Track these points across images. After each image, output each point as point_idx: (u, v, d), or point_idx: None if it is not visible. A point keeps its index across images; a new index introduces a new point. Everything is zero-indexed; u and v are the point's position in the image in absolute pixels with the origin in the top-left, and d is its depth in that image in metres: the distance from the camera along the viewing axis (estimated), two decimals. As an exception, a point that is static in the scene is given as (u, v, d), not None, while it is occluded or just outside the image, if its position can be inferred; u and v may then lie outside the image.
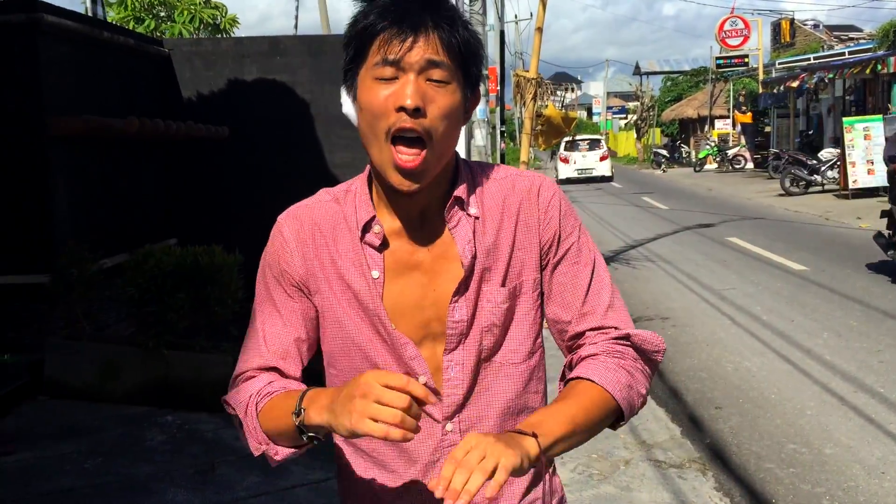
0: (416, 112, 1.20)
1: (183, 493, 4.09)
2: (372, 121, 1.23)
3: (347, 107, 1.33)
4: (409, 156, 1.21)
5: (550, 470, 1.45)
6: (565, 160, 30.15)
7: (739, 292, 8.70)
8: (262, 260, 1.41)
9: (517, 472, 1.10)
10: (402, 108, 1.20)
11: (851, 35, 34.92)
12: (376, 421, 1.07)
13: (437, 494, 1.05)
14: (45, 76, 5.91)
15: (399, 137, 1.22)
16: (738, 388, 5.67)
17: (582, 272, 1.37)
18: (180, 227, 8.05)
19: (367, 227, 1.31)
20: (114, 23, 11.80)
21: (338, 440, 1.42)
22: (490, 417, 1.36)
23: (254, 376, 1.35)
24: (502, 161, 24.46)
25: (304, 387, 1.29)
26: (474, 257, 1.31)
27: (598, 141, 31.63)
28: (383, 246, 1.32)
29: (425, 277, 1.32)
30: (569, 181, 29.53)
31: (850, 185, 17.41)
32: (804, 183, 19.49)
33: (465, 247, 1.31)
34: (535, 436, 1.16)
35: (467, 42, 1.25)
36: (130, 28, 12.70)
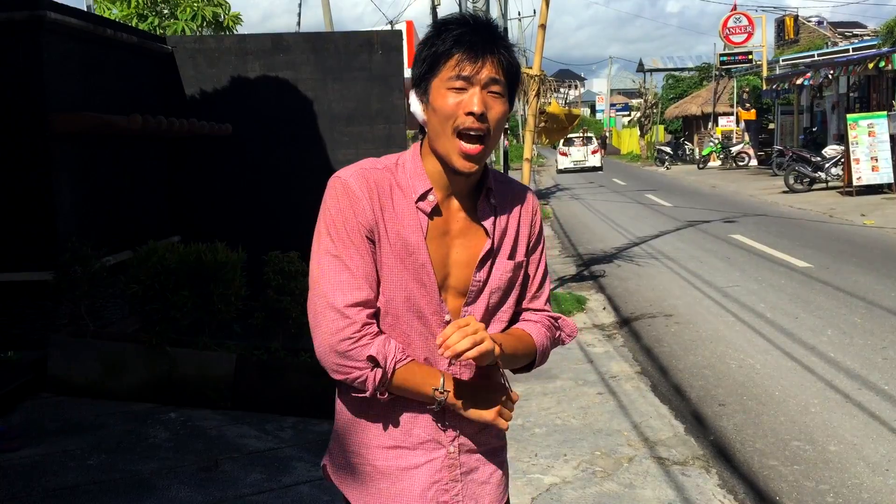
0: (482, 116, 1.59)
1: (186, 490, 4.10)
2: (444, 119, 1.60)
3: (415, 107, 1.67)
4: (473, 146, 1.60)
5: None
6: (564, 154, 35.83)
7: (743, 289, 8.69)
8: (327, 213, 1.64)
9: (488, 355, 1.54)
10: (470, 113, 1.58)
11: (856, 32, 34.84)
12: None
13: (437, 342, 1.52)
14: (49, 73, 5.92)
15: (463, 134, 1.59)
16: (742, 385, 5.66)
17: (540, 268, 1.84)
18: (184, 224, 8.06)
19: (423, 197, 1.66)
20: (117, 20, 11.80)
21: (348, 405, 1.74)
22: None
23: (370, 323, 1.62)
24: (506, 157, 24.46)
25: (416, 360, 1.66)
26: (494, 237, 1.71)
27: (591, 138, 37.50)
28: (434, 213, 1.67)
29: (455, 243, 1.69)
30: (567, 171, 35.31)
31: (854, 182, 17.38)
32: (808, 180, 19.46)
33: (490, 226, 1.70)
34: (500, 345, 1.61)
35: (515, 66, 1.65)
36: (133, 25, 12.71)
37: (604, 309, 8.31)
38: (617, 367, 6.26)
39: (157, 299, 5.42)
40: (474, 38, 1.60)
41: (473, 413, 1.66)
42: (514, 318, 1.82)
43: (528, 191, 1.82)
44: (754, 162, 31.54)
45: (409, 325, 1.67)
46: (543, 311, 1.85)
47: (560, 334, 1.88)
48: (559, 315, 1.89)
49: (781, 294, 8.37)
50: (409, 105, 1.72)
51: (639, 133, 49.27)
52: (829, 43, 31.47)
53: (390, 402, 1.67)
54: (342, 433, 1.76)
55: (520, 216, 1.77)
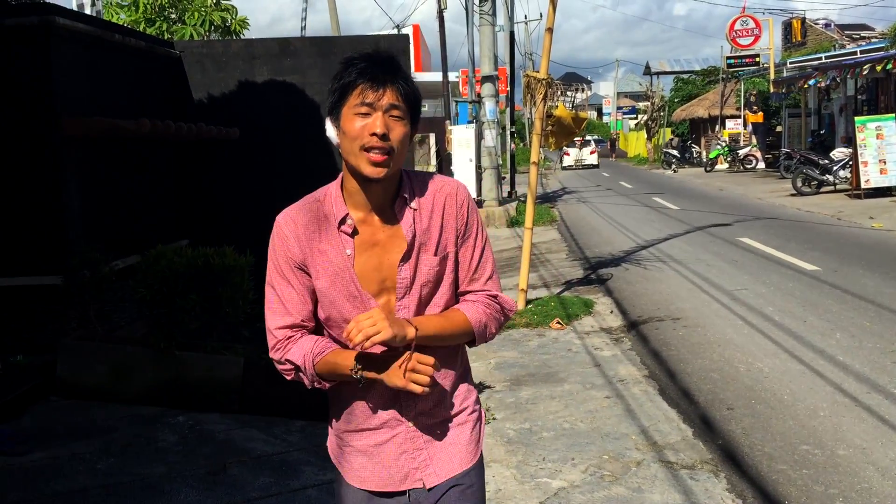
0: (384, 136, 1.84)
1: (195, 494, 4.11)
2: (353, 140, 1.85)
3: (330, 132, 1.92)
4: (380, 156, 1.84)
5: (472, 387, 2.11)
6: (567, 154, 43.66)
7: (751, 293, 8.67)
8: (270, 250, 1.98)
9: (393, 340, 1.78)
10: (374, 134, 1.83)
11: (863, 34, 34.78)
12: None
13: (344, 335, 1.79)
14: (58, 78, 5.95)
15: (370, 150, 1.84)
16: (751, 388, 5.65)
17: (476, 253, 2.02)
18: (192, 228, 8.09)
19: (342, 221, 1.92)
20: (125, 25, 11.85)
21: (330, 400, 2.08)
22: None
23: (292, 336, 1.96)
24: (512, 161, 24.47)
25: (334, 345, 1.94)
26: (414, 236, 1.94)
27: (589, 141, 45.59)
28: (354, 233, 1.93)
29: (382, 251, 1.94)
30: (569, 168, 43.48)
31: (863, 185, 17.32)
32: (816, 183, 19.39)
33: (408, 229, 1.93)
34: (416, 328, 1.84)
35: (414, 94, 1.90)
36: (141, 30, 12.76)
37: (611, 312, 8.30)
38: (625, 370, 6.25)
39: (165, 303, 5.44)
40: (376, 70, 1.86)
41: (387, 381, 1.86)
42: (457, 301, 2.04)
43: (456, 186, 2.02)
44: (762, 165, 31.46)
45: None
46: (483, 290, 2.04)
47: (500, 310, 2.06)
48: (498, 293, 2.07)
49: (790, 297, 8.34)
50: (326, 133, 1.95)
51: (646, 136, 49.21)
52: (837, 45, 31.41)
53: (353, 393, 1.98)
54: (331, 422, 2.11)
55: (444, 211, 1.97)
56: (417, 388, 1.82)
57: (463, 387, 2.07)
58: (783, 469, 4.31)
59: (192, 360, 5.45)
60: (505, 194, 21.21)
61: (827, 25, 36.74)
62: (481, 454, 2.11)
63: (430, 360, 1.83)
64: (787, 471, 4.29)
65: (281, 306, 1.97)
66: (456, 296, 2.04)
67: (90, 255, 5.68)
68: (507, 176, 23.33)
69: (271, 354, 1.99)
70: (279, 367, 1.98)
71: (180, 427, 5.07)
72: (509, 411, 5.41)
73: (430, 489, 2.01)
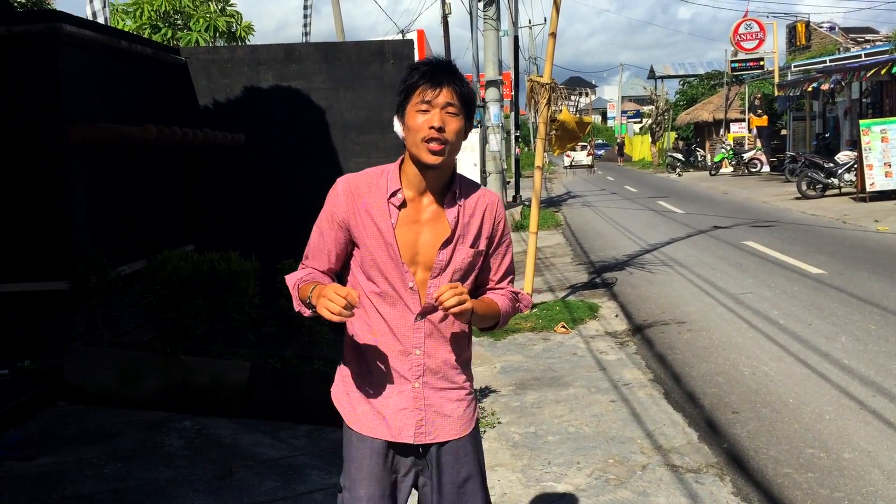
0: (440, 129, 2.14)
1: (201, 498, 4.12)
2: (415, 133, 2.16)
3: (397, 127, 2.24)
4: (437, 146, 2.15)
5: (470, 376, 2.39)
6: (569, 156, 47.40)
7: (756, 296, 8.67)
8: (326, 199, 2.29)
9: (467, 314, 2.11)
10: (432, 127, 2.14)
11: (868, 37, 34.70)
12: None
13: (434, 295, 2.10)
14: (65, 85, 5.98)
15: (428, 140, 2.15)
16: (756, 392, 5.65)
17: (505, 259, 2.38)
18: (198, 233, 8.12)
19: (393, 194, 2.22)
20: (131, 32, 11.90)
21: (349, 356, 2.35)
22: (441, 314, 2.23)
23: (302, 267, 2.34)
24: (517, 165, 24.49)
25: (325, 279, 2.26)
26: (457, 226, 2.24)
27: (585, 145, 48.63)
28: (401, 206, 2.22)
29: (422, 229, 2.23)
30: (568, 168, 46.48)
31: (868, 188, 17.30)
32: (821, 186, 19.37)
33: (452, 219, 2.23)
34: (473, 308, 2.14)
35: (468, 93, 2.20)
36: (147, 37, 12.81)
37: (616, 316, 8.30)
38: (630, 374, 6.26)
39: (171, 308, 5.46)
40: (434, 72, 2.17)
41: (317, 306, 2.10)
42: (473, 294, 2.28)
43: (497, 200, 2.35)
44: (766, 168, 31.42)
45: (381, 286, 2.24)
46: (507, 288, 2.40)
47: (519, 305, 2.43)
48: (519, 290, 2.45)
49: (795, 301, 8.34)
50: (393, 128, 2.27)
51: (650, 140, 49.19)
52: (841, 48, 31.34)
53: (375, 348, 2.26)
54: (342, 369, 2.37)
55: (483, 215, 2.29)
56: (326, 314, 2.03)
57: (466, 372, 2.36)
58: (788, 472, 4.31)
59: (199, 365, 5.47)
60: (510, 199, 21.23)
61: (831, 28, 36.67)
62: (475, 431, 2.37)
63: (345, 291, 2.05)
64: (793, 474, 4.29)
65: (308, 250, 2.34)
66: (476, 288, 2.34)
67: (97, 261, 5.70)
68: (512, 180, 23.37)
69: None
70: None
71: (187, 432, 5.08)
72: (514, 415, 5.42)
73: (421, 448, 2.28)
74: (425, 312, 2.24)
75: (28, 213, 5.99)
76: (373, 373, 2.28)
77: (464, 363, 2.34)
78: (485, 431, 5.09)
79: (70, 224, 6.02)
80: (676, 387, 5.90)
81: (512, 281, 2.43)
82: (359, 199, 2.23)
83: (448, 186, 2.26)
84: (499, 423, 5.27)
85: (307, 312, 2.22)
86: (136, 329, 6.54)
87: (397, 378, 2.26)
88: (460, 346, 2.32)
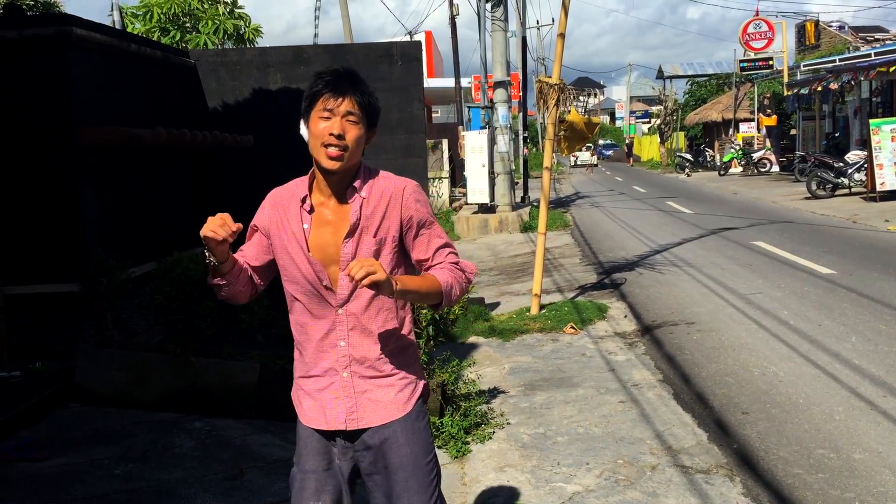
0: (339, 136, 2.27)
1: (212, 499, 4.14)
2: (316, 138, 2.29)
3: (303, 131, 2.35)
4: (336, 151, 2.27)
5: (412, 364, 2.49)
6: (575, 156, 53.78)
7: (766, 296, 8.64)
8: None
9: (383, 285, 2.14)
10: (332, 134, 2.27)
11: (878, 36, 34.58)
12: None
13: (344, 272, 2.24)
14: (75, 88, 6.02)
15: (328, 146, 2.28)
16: (766, 392, 5.63)
17: (426, 236, 2.42)
18: (207, 235, 8.14)
19: (304, 200, 2.38)
20: (140, 34, 11.95)
21: (295, 354, 2.50)
22: (362, 307, 2.38)
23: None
24: (525, 166, 24.48)
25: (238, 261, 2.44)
26: (358, 219, 2.34)
27: (590, 146, 54.43)
28: (311, 211, 2.38)
29: (332, 229, 2.36)
30: (575, 166, 53.21)
31: (878, 188, 17.22)
32: (831, 186, 19.30)
33: (353, 213, 2.35)
34: (398, 282, 2.23)
35: (371, 104, 2.33)
36: (156, 39, 12.86)
37: (625, 317, 8.29)
38: (639, 375, 6.25)
39: (181, 310, 5.49)
40: (338, 82, 2.29)
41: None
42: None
43: (403, 186, 2.40)
44: (776, 168, 31.32)
45: (302, 286, 2.38)
46: (445, 261, 2.44)
47: (463, 274, 2.46)
48: (459, 260, 2.48)
49: (805, 301, 8.31)
50: (300, 131, 2.39)
51: (659, 140, 49.10)
52: (851, 48, 31.24)
53: (307, 346, 2.41)
54: (294, 372, 2.51)
55: (388, 205, 2.36)
56: (210, 233, 2.22)
57: (399, 359, 2.43)
58: (799, 473, 4.30)
59: (209, 366, 5.50)
60: (518, 199, 21.22)
61: (841, 28, 36.54)
62: (414, 414, 2.43)
63: (230, 226, 2.24)
64: (803, 475, 4.28)
65: (245, 246, 2.51)
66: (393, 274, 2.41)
67: (107, 263, 5.74)
68: (520, 181, 23.36)
69: None
70: None
71: (197, 433, 5.11)
72: (524, 416, 5.42)
73: (352, 435, 2.40)
74: (346, 306, 2.36)
75: (39, 215, 6.03)
76: (308, 367, 2.44)
77: (393, 353, 2.42)
78: (494, 432, 5.10)
79: (81, 226, 6.05)
80: (686, 387, 5.89)
81: (450, 252, 2.46)
82: (280, 209, 2.41)
83: (351, 182, 2.38)
84: (508, 423, 5.28)
85: (214, 279, 2.39)
86: (146, 330, 6.57)
87: (328, 370, 2.40)
88: (388, 337, 2.40)
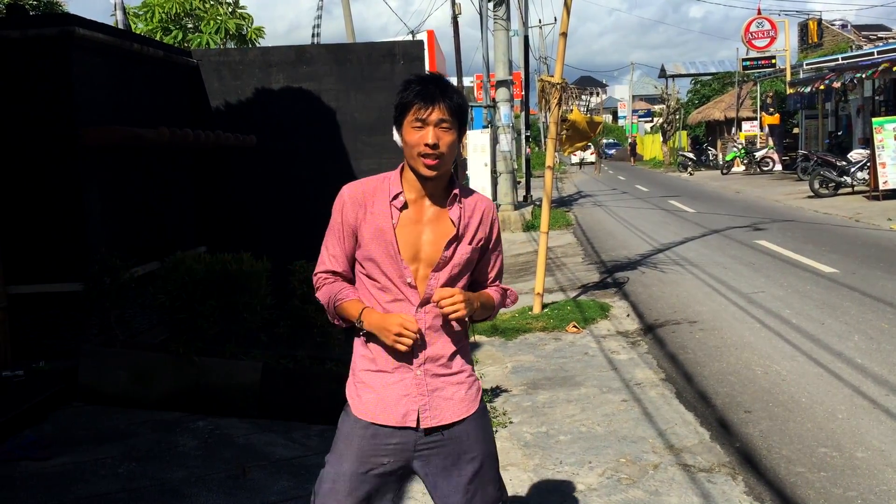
0: (434, 146, 2.32)
1: (215, 498, 4.15)
2: (411, 147, 2.34)
3: (396, 138, 2.40)
4: (432, 160, 2.33)
5: (470, 361, 2.56)
6: (575, 154, 59.96)
7: (768, 295, 8.64)
8: (334, 208, 2.46)
9: (461, 321, 2.40)
10: (427, 144, 2.31)
11: (880, 34, 34.51)
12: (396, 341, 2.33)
13: (434, 298, 2.34)
14: (78, 88, 6.03)
15: (424, 155, 2.33)
16: (768, 391, 5.63)
17: (498, 259, 2.60)
18: (210, 234, 8.16)
19: (395, 197, 2.40)
20: (142, 34, 11.96)
21: (356, 346, 2.50)
22: (438, 311, 2.39)
23: (327, 278, 2.50)
24: (528, 165, 24.48)
25: (354, 293, 2.45)
26: (459, 225, 2.42)
27: (589, 145, 55.25)
28: (403, 207, 2.40)
29: (423, 229, 2.41)
30: (575, 164, 52.09)
31: (881, 187, 17.20)
32: (833, 184, 19.28)
33: (456, 219, 2.42)
34: (477, 301, 2.43)
35: (460, 106, 2.36)
36: (158, 39, 12.87)
37: (627, 316, 8.29)
38: (641, 374, 6.25)
39: (184, 309, 5.50)
40: (427, 90, 2.32)
41: (380, 337, 2.37)
42: (470, 289, 2.51)
43: (491, 204, 2.55)
44: (779, 167, 31.28)
45: (383, 282, 2.40)
46: (497, 284, 2.62)
47: (507, 300, 2.65)
48: (508, 287, 2.66)
49: (807, 300, 8.31)
50: (393, 137, 2.43)
51: (661, 139, 49.05)
52: (854, 46, 31.19)
53: (376, 340, 2.40)
54: (353, 362, 2.50)
55: (480, 218, 2.48)
56: (402, 347, 2.32)
57: (464, 357, 2.51)
58: (801, 472, 4.31)
59: (212, 365, 5.51)
60: (520, 199, 21.23)
61: (843, 26, 36.47)
62: (480, 410, 2.52)
63: (415, 327, 2.32)
64: (806, 473, 4.28)
65: (325, 256, 2.50)
66: (472, 283, 2.54)
67: (111, 262, 5.75)
68: (523, 180, 23.36)
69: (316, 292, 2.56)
70: (318, 298, 2.53)
71: (200, 432, 5.12)
72: (526, 415, 5.43)
73: (425, 432, 2.42)
74: (423, 303, 2.40)
75: (43, 215, 6.04)
76: (377, 363, 2.43)
77: (461, 350, 2.50)
78: (497, 431, 5.10)
79: (84, 226, 6.07)
80: (688, 386, 5.89)
81: (502, 278, 2.67)
82: (363, 203, 2.41)
83: (447, 189, 2.45)
84: (510, 422, 5.28)
85: (343, 325, 2.47)
86: (149, 330, 6.58)
87: (400, 367, 2.41)
88: (457, 336, 2.48)
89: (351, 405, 2.47)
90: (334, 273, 2.49)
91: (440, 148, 2.32)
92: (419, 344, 2.39)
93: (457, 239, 2.42)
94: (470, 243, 2.45)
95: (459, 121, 2.38)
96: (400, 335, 2.31)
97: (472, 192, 2.53)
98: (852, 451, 4.53)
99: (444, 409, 2.43)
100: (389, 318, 2.34)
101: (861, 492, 4.03)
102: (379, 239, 2.37)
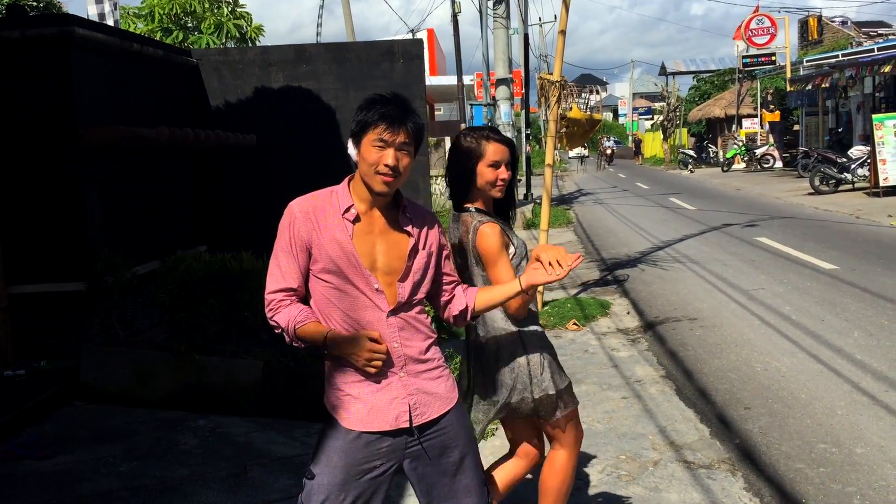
0: (395, 168, 2.37)
1: (216, 496, 4.16)
2: (370, 165, 2.38)
3: (351, 151, 2.44)
4: (390, 178, 2.38)
5: (439, 349, 2.61)
6: (571, 148, 53.64)
7: (768, 292, 8.65)
8: (281, 226, 2.47)
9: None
10: (387, 165, 2.36)
11: (881, 31, 34.50)
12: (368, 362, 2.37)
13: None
14: (78, 88, 6.04)
15: (382, 173, 2.38)
16: (768, 388, 5.65)
17: (450, 259, 2.68)
18: (210, 233, 8.17)
19: (347, 209, 2.44)
20: (142, 35, 11.97)
21: (330, 360, 2.52)
22: (409, 307, 2.50)
23: (283, 300, 2.45)
24: (528, 163, 24.47)
25: (313, 315, 2.45)
26: (416, 237, 2.50)
27: (587, 144, 51.51)
28: (356, 220, 2.44)
29: (375, 240, 2.45)
30: (572, 158, 51.63)
31: (881, 183, 17.20)
32: (834, 181, 19.28)
33: (411, 231, 2.50)
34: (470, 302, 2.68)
35: (420, 129, 2.44)
36: (158, 39, 12.88)
37: (628, 313, 8.30)
38: (641, 371, 6.26)
39: (185, 308, 5.52)
40: (395, 114, 2.37)
41: (350, 359, 2.39)
42: (435, 296, 2.64)
43: (432, 214, 2.66)
44: (779, 164, 31.28)
45: (350, 294, 2.43)
46: (464, 284, 2.76)
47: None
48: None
49: (807, 296, 8.32)
50: (347, 146, 2.47)
51: (662, 136, 49.03)
52: (854, 43, 31.17)
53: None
54: (329, 378, 2.53)
55: (426, 226, 2.56)
56: (372, 370, 2.37)
57: (435, 349, 2.58)
58: (800, 468, 4.32)
59: (213, 364, 5.52)
60: (521, 196, 21.23)
61: (844, 23, 36.48)
62: (458, 401, 2.62)
63: (384, 347, 2.37)
64: (805, 469, 4.29)
65: (279, 274, 2.46)
66: (437, 291, 2.64)
67: (112, 262, 5.76)
68: (523, 178, 23.35)
69: (266, 312, 2.48)
70: (270, 323, 2.47)
71: (201, 430, 5.13)
72: (526, 412, 5.43)
73: (418, 430, 2.47)
74: (396, 310, 2.46)
75: (44, 215, 6.05)
76: (359, 373, 2.44)
77: (431, 345, 2.56)
78: (497, 428, 5.11)
79: (85, 226, 6.08)
80: (688, 383, 5.90)
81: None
82: (313, 218, 2.43)
83: (395, 202, 2.52)
84: (511, 420, 5.29)
85: (302, 346, 2.49)
86: (150, 329, 6.59)
87: (382, 372, 2.44)
88: (427, 331, 2.56)
89: (339, 418, 2.48)
90: (290, 290, 2.46)
91: (399, 169, 2.39)
92: (395, 347, 2.44)
93: (416, 248, 2.49)
94: (424, 249, 2.53)
95: (416, 144, 2.45)
96: (370, 359, 2.36)
97: (415, 203, 2.61)
98: (851, 446, 4.54)
99: (431, 404, 2.50)
100: (356, 340, 2.36)
101: (860, 487, 4.04)
102: (339, 251, 2.40)
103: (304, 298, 2.50)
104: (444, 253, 2.65)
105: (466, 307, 2.67)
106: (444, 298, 2.68)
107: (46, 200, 6.05)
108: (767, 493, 4.05)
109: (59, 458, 4.63)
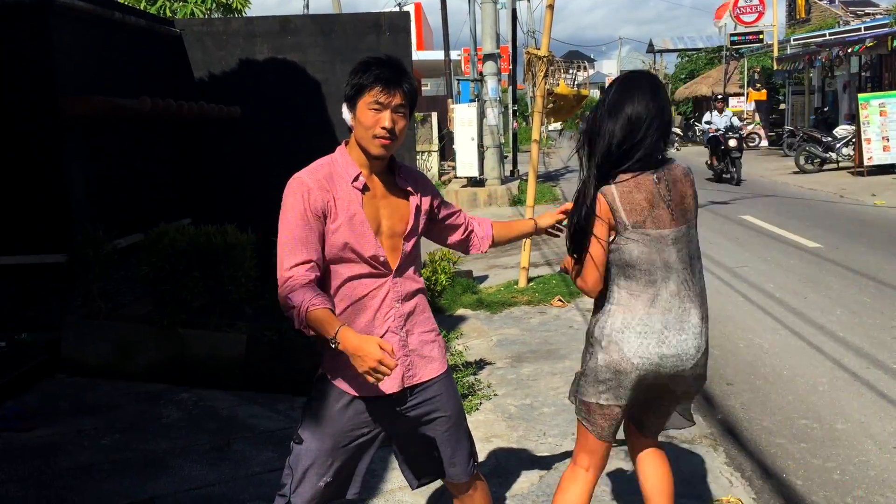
0: (391, 130, 2.41)
1: (199, 469, 4.16)
2: (367, 129, 2.42)
3: (346, 115, 2.47)
4: (387, 141, 2.42)
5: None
6: (556, 121, 53.62)
7: (752, 270, 8.69)
8: (289, 202, 2.42)
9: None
10: (383, 128, 2.39)
11: (868, 10, 34.47)
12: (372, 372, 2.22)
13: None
14: (58, 57, 5.94)
15: (379, 137, 2.41)
16: (751, 364, 5.68)
17: (447, 204, 2.79)
18: (194, 206, 8.10)
19: (355, 178, 2.46)
20: (125, 3, 11.78)
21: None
22: (409, 267, 2.57)
23: (303, 276, 2.33)
24: (515, 139, 24.41)
25: (329, 303, 2.31)
26: (415, 198, 2.57)
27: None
28: (364, 189, 2.48)
29: (379, 204, 2.50)
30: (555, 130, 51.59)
31: (865, 162, 17.28)
32: (819, 160, 19.34)
33: (411, 189, 2.58)
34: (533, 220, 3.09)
35: (414, 91, 2.47)
36: (142, 8, 12.70)
37: (612, 290, 8.31)
38: (625, 347, 6.28)
39: (168, 281, 5.47)
40: (390, 75, 2.39)
41: (353, 361, 2.24)
42: (436, 231, 2.77)
43: (422, 173, 2.72)
44: (765, 142, 31.33)
45: (359, 262, 2.45)
46: (469, 217, 2.90)
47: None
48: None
49: (790, 274, 8.36)
50: (342, 114, 2.50)
51: (649, 114, 48.90)
52: (841, 22, 31.17)
53: (362, 316, 2.47)
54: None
55: (418, 184, 2.60)
56: (372, 380, 2.22)
57: (430, 312, 2.65)
58: (781, 443, 4.35)
59: (196, 337, 5.49)
60: (507, 173, 21.17)
61: (831, 2, 36.41)
62: (448, 370, 2.66)
63: (393, 362, 2.20)
64: (786, 444, 4.33)
65: (297, 246, 2.37)
66: (442, 228, 2.78)
67: (93, 234, 5.70)
68: (510, 155, 23.29)
69: (280, 291, 2.36)
70: (282, 302, 2.35)
71: (184, 404, 5.11)
72: (510, 387, 5.45)
73: (409, 391, 2.52)
74: (397, 272, 2.51)
75: (25, 186, 5.98)
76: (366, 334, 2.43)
77: (427, 307, 2.65)
78: (481, 403, 5.12)
79: (67, 197, 6.01)
80: (672, 359, 5.92)
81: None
82: (328, 189, 2.42)
83: (389, 165, 2.56)
84: (495, 395, 5.30)
85: (309, 333, 2.33)
86: (133, 302, 6.55)
87: (384, 334, 2.49)
88: (423, 294, 2.64)
89: (334, 383, 2.50)
90: (311, 262, 2.36)
91: (395, 131, 2.42)
92: (398, 307, 2.51)
93: (419, 208, 2.57)
94: (423, 207, 2.61)
95: (411, 106, 2.49)
96: (375, 370, 2.18)
97: (404, 164, 2.66)
98: (832, 422, 4.58)
99: (423, 366, 2.55)
100: (367, 345, 2.19)
101: (840, 462, 4.08)
102: (352, 223, 2.42)
103: (323, 273, 2.43)
104: (436, 202, 2.70)
105: (489, 237, 2.88)
106: (460, 235, 2.82)
107: (27, 172, 5.97)
108: (749, 468, 4.09)
109: (40, 431, 4.61)
